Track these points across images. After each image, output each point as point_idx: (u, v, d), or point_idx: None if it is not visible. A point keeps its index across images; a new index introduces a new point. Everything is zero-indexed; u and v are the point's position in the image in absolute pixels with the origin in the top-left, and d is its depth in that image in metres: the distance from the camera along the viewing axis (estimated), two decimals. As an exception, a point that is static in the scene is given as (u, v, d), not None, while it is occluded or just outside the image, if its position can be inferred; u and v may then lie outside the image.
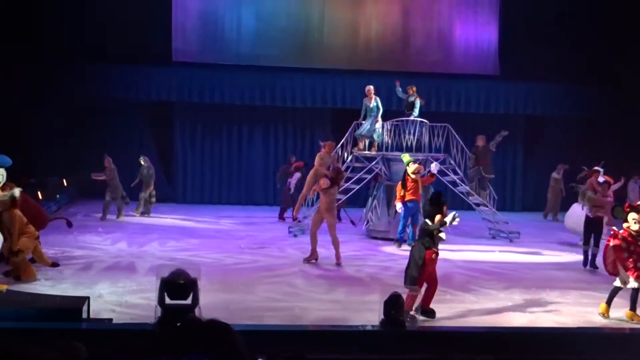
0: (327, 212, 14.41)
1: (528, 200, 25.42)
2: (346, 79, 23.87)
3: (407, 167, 16.44)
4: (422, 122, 19.00)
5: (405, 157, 16.92)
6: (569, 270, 14.63)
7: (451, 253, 15.40)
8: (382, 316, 8.31)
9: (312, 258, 14.56)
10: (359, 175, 18.65)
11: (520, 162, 25.83)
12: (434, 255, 10.26)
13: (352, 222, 18.90)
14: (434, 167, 17.06)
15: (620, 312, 10.83)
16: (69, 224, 14.38)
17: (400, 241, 16.60)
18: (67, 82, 22.26)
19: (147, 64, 23.10)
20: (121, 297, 11.17)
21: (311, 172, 18.04)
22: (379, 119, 18.87)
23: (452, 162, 18.90)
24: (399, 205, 16.35)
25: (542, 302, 11.74)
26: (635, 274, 10.32)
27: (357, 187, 18.84)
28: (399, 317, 8.29)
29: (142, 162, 20.59)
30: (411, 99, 19.01)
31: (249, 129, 24.91)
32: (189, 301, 8.19)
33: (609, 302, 10.70)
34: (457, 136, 19.37)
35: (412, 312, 9.98)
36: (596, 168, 17.06)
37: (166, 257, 14.25)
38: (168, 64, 23.64)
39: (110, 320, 9.18)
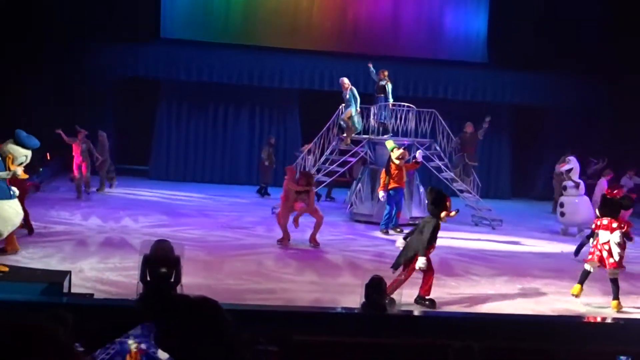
0: (314, 212, 14.46)
1: (513, 188, 25.47)
2: (334, 61, 23.79)
3: (391, 153, 16.35)
4: (408, 107, 19.00)
5: (390, 143, 16.84)
6: (551, 259, 14.69)
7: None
8: (364, 299, 8.32)
9: (286, 240, 14.48)
10: (344, 158, 18.65)
11: (507, 150, 25.86)
12: (431, 250, 10.48)
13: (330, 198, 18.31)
14: (419, 154, 16.93)
15: (597, 299, 10.94)
16: (37, 188, 14.23)
17: (387, 230, 16.45)
18: (54, 58, 22.07)
19: (135, 40, 22.94)
20: (102, 273, 11.13)
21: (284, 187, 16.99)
22: (358, 109, 18.70)
23: (438, 148, 18.91)
24: (381, 194, 16.32)
25: (523, 290, 11.79)
26: (615, 264, 10.66)
27: (342, 170, 18.86)
28: (381, 301, 8.30)
29: (100, 138, 20.13)
30: (382, 82, 18.91)
31: (235, 108, 24.81)
32: (171, 279, 8.18)
33: (581, 282, 11.03)
34: (443, 122, 19.38)
35: (392, 296, 10.00)
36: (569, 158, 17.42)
37: (149, 234, 14.18)
38: (156, 41, 23.49)
39: (92, 295, 9.15)
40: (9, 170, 10.77)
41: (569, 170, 17.38)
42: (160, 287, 7.99)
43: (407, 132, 18.88)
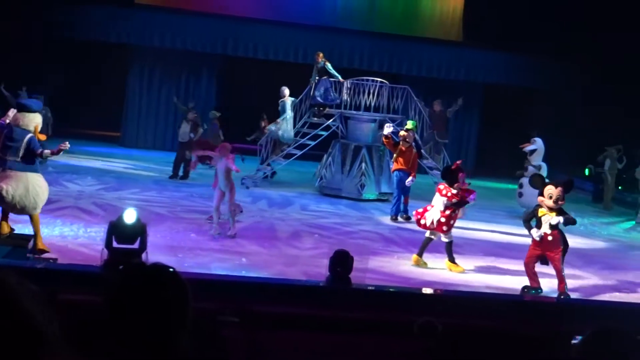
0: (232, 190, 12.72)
1: (479, 167, 25.55)
2: (312, 35, 23.64)
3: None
4: (381, 82, 19.00)
5: (409, 123, 16.28)
6: (517, 237, 14.79)
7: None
8: (328, 273, 8.35)
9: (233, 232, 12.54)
10: (315, 132, 18.66)
11: (476, 129, 25.96)
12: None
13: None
14: (387, 128, 16.05)
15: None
16: None
17: (395, 216, 15.55)
18: (25, 20, 21.71)
19: (109, 4, 22.65)
20: (68, 238, 11.06)
21: None
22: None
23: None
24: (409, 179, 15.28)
25: (488, 269, 11.89)
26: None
27: (313, 143, 18.84)
28: (346, 275, 8.32)
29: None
30: (320, 64, 18.69)
31: (208, 77, 24.65)
32: (136, 246, 8.14)
33: (420, 254, 11.46)
34: (416, 99, 19.42)
35: None
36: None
37: (117, 201, 14.12)
38: (131, 5, 23.22)
39: (55, 259, 9.09)
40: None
41: (532, 152, 17.36)
42: (125, 255, 7.96)
43: (380, 108, 18.90)
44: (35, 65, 21.80)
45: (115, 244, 8.26)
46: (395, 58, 24.14)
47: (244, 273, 10.08)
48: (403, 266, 11.44)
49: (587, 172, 21.73)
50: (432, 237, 11.49)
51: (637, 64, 21.22)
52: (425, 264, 11.46)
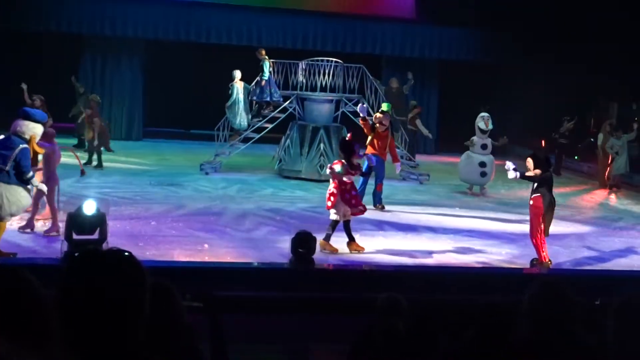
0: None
1: (441, 144, 25.64)
2: (261, 17, 23.48)
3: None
4: (336, 62, 19.01)
5: (384, 105, 15.73)
6: (475, 211, 14.96)
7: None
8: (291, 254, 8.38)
9: (54, 231, 10.88)
10: (272, 114, 18.59)
11: (435, 105, 26.04)
12: None
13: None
14: (360, 109, 15.51)
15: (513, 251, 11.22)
16: None
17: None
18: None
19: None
20: (24, 233, 10.92)
21: None
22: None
23: (366, 103, 19.00)
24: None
25: (446, 245, 12.00)
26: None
27: (271, 126, 18.80)
28: (308, 255, 8.36)
29: None
30: (261, 63, 18.39)
31: (157, 64, 24.43)
32: (96, 236, 8.11)
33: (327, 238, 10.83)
34: (371, 77, 19.45)
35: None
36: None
37: (74, 193, 13.95)
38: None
39: (15, 254, 9.01)
40: (33, 150, 10.14)
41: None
42: (85, 246, 7.91)
43: (335, 87, 18.91)
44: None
45: (75, 236, 8.23)
46: (349, 37, 24.11)
47: (206, 259, 10.07)
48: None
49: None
50: (349, 218, 11.07)
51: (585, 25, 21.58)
52: (362, 247, 11.08)
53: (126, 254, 2.33)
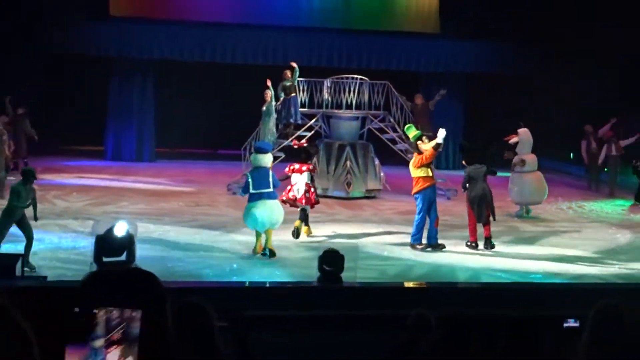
0: None
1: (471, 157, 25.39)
2: (288, 36, 23.57)
3: (420, 143, 12.92)
4: (361, 79, 19.04)
5: (411, 130, 13.44)
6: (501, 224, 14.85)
7: (390, 212, 15.57)
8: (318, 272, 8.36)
9: None
10: (298, 132, 18.61)
11: (461, 120, 25.92)
12: None
13: None
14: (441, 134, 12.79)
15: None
16: None
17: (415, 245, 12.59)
18: (7, 37, 21.58)
19: (84, 17, 22.55)
20: (56, 254, 11.02)
21: None
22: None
23: (392, 120, 19.00)
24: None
25: (480, 256, 11.93)
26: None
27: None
28: (337, 273, 8.33)
29: None
30: (287, 83, 18.47)
31: (187, 85, 24.57)
32: (124, 257, 8.16)
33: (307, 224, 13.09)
34: (396, 94, 19.45)
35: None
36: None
37: (103, 215, 14.05)
38: (105, 18, 23.13)
39: (45, 277, 9.08)
40: None
41: (516, 144, 16.56)
42: (114, 267, 7.97)
43: (361, 105, 18.94)
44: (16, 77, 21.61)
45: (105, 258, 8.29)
46: (374, 53, 24.13)
47: (234, 279, 10.10)
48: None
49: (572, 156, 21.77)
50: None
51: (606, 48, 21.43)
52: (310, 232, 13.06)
53: (145, 273, 2.34)
